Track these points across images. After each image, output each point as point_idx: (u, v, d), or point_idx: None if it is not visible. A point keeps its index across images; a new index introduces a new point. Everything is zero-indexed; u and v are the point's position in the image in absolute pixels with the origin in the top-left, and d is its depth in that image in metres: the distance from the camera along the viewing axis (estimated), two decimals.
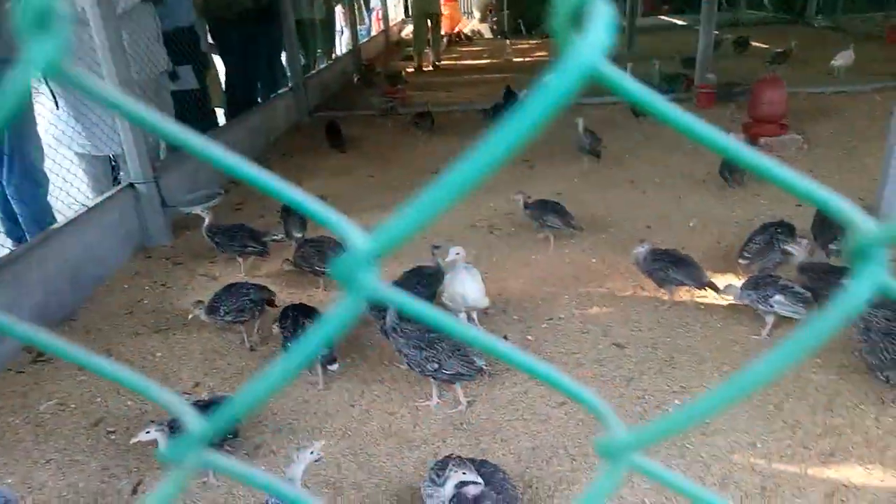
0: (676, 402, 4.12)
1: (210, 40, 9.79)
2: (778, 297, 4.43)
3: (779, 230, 5.23)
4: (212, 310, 4.66)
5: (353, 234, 0.46)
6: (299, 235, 5.86)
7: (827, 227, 5.24)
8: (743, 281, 4.76)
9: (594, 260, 6.00)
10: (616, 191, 7.55)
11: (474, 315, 4.92)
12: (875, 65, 12.48)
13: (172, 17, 8.21)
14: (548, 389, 4.34)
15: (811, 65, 13.05)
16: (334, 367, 4.30)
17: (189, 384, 4.52)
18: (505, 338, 4.92)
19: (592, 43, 0.35)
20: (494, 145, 0.37)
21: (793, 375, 4.24)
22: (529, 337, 4.92)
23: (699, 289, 5.04)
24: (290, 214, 6.06)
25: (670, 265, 4.96)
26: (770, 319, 4.59)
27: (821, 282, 4.55)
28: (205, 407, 3.68)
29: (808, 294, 4.44)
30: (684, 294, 5.22)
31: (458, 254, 4.78)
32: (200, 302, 4.74)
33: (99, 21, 5.95)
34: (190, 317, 4.81)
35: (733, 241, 5.97)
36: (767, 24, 20.43)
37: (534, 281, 5.68)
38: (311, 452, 3.13)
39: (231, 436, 3.79)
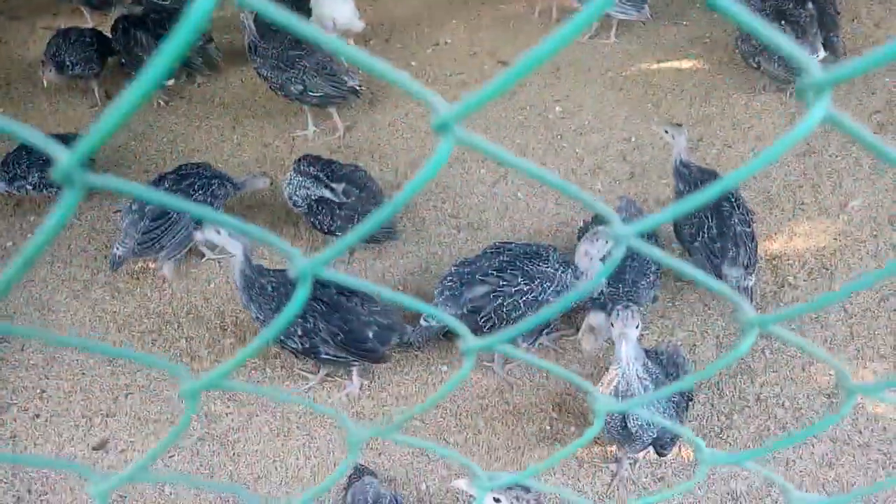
0: (558, 108, 4.05)
1: None
2: None
3: None
4: (59, 66, 4.03)
5: None
6: None
7: None
8: None
9: None
10: None
11: (350, 42, 4.52)
12: None
13: None
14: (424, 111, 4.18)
15: None
16: (170, 81, 4.09)
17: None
18: None
19: None
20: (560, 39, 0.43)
21: (672, 73, 4.20)
22: (413, 63, 4.62)
23: None
24: None
25: None
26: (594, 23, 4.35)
27: None
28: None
29: None
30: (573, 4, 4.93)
31: None
32: (44, 63, 4.09)
33: None
34: (45, 83, 4.18)
35: None
36: None
37: (420, 6, 5.22)
38: None
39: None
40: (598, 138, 3.76)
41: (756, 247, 2.75)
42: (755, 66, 3.81)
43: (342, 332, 2.53)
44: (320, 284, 2.42)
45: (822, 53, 3.76)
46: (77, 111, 4.32)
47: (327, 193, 2.96)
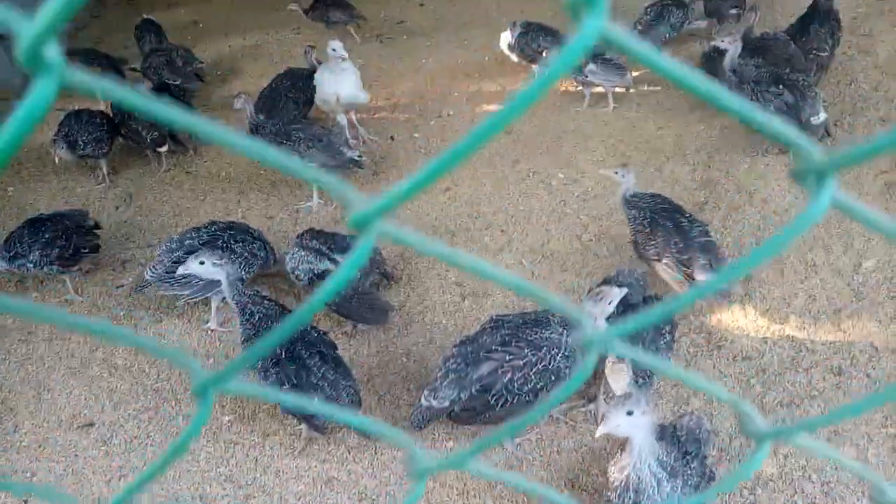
0: (561, 175, 4.06)
1: None
2: (591, 67, 4.38)
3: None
4: (71, 145, 4.11)
5: None
6: (155, 47, 5.24)
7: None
8: None
9: (487, 58, 5.68)
10: None
11: (353, 116, 4.59)
12: None
13: None
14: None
15: None
16: (164, 148, 4.18)
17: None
18: (392, 138, 4.69)
19: (599, 11, 0.37)
20: (519, 103, 0.39)
21: (673, 138, 4.22)
22: (416, 135, 4.70)
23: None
24: (145, 32, 5.40)
25: (539, 34, 4.77)
26: (587, 92, 4.59)
27: None
28: (56, 216, 3.39)
29: (623, 61, 4.41)
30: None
31: (334, 50, 4.24)
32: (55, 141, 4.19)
33: None
34: (57, 160, 4.25)
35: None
36: None
37: (424, 82, 5.36)
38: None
39: (91, 252, 3.52)
40: (602, 204, 3.75)
41: (718, 249, 2.98)
42: (756, 129, 3.83)
43: (291, 385, 2.49)
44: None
45: (823, 115, 3.78)
46: (84, 188, 4.38)
47: (331, 267, 2.93)
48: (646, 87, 4.75)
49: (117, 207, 4.20)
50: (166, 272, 2.95)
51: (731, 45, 3.88)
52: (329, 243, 2.99)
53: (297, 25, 6.23)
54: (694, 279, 2.83)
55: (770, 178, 3.77)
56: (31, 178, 4.54)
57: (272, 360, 2.53)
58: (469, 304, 3.28)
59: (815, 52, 4.33)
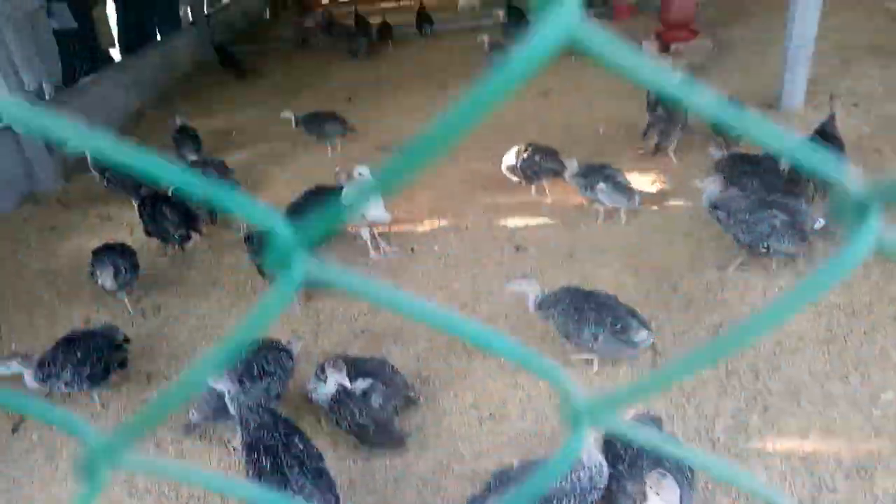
0: None
1: None
2: (601, 186, 4.56)
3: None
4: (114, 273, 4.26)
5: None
6: (194, 158, 5.57)
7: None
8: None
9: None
10: (528, 103, 7.44)
11: (377, 231, 4.80)
12: None
13: None
14: (447, 294, 4.32)
15: None
16: (189, 243, 4.59)
17: (79, 321, 4.30)
18: (412, 249, 4.85)
19: (569, 7, 0.35)
20: (471, 104, 0.37)
21: (687, 257, 4.32)
22: (436, 247, 4.86)
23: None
24: (184, 135, 5.74)
25: (541, 157, 5.02)
26: (600, 208, 4.77)
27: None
28: (88, 335, 3.51)
29: (631, 185, 4.65)
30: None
31: (361, 174, 4.52)
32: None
33: None
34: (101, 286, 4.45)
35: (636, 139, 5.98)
36: None
37: (443, 194, 5.58)
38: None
39: (120, 367, 3.62)
40: None
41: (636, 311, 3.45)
42: (765, 250, 3.93)
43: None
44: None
45: (822, 221, 3.91)
46: (115, 299, 4.52)
47: (351, 389, 2.99)
48: (655, 208, 4.92)
49: (144, 316, 4.33)
50: (213, 410, 3.07)
51: (710, 185, 4.07)
52: (350, 368, 3.06)
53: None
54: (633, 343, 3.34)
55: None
56: (65, 285, 4.73)
57: (255, 471, 2.62)
58: (486, 428, 3.29)
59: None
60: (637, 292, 4.07)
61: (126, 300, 4.30)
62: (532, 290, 3.45)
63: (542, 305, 3.47)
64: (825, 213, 4.23)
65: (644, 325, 3.38)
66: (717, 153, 4.93)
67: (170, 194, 4.63)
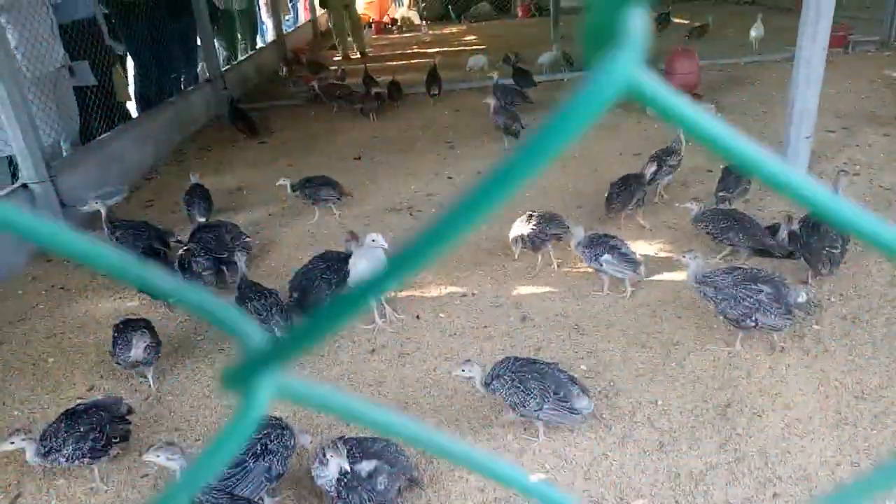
0: (583, 367, 4.13)
1: (114, 33, 9.34)
2: (606, 257, 4.60)
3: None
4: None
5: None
6: (202, 220, 5.64)
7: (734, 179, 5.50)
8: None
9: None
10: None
11: (382, 298, 4.82)
12: (788, 34, 12.86)
13: (69, 10, 7.81)
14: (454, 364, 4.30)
15: (727, 38, 13.38)
16: None
17: (83, 388, 4.29)
18: (417, 317, 4.85)
19: (630, 56, 0.32)
20: (518, 166, 0.34)
21: (694, 331, 4.31)
22: (442, 315, 4.86)
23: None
24: (195, 198, 5.82)
25: (546, 224, 5.10)
26: (605, 278, 4.80)
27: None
28: (91, 407, 3.50)
29: (637, 256, 4.70)
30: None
31: (373, 240, 4.53)
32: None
33: None
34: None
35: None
36: (688, 1, 20.85)
37: (450, 260, 5.61)
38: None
39: (122, 440, 3.59)
40: (625, 402, 3.77)
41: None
42: (752, 324, 3.92)
43: None
44: None
45: (804, 296, 3.91)
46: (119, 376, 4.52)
47: (357, 471, 2.95)
48: (661, 278, 4.93)
49: (150, 385, 4.32)
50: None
51: (692, 262, 4.09)
52: (355, 450, 3.03)
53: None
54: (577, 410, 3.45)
55: (791, 381, 3.80)
56: (71, 349, 4.74)
57: None
58: None
59: (827, 248, 4.52)
60: (645, 367, 4.05)
61: (149, 376, 4.26)
62: (477, 374, 3.52)
63: (487, 384, 3.52)
64: (806, 286, 4.30)
65: (584, 391, 3.46)
66: (693, 207, 5.04)
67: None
